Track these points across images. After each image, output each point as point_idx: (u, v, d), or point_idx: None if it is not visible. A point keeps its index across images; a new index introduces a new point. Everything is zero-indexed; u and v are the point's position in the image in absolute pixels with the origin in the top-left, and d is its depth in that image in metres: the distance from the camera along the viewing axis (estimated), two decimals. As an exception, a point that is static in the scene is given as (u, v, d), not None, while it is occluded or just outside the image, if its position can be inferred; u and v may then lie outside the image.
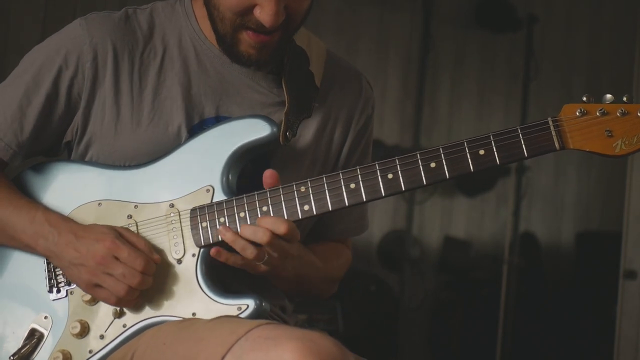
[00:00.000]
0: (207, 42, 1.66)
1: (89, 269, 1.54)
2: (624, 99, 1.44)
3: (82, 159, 1.67)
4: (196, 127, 1.63)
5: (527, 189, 5.35)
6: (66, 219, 1.61)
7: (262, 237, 1.48)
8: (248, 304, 1.50)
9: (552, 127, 1.44)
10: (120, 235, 1.56)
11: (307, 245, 1.69)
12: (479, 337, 5.14)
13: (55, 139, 1.69)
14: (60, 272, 1.63)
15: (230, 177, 1.58)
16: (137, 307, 1.57)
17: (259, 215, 1.53)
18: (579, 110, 1.44)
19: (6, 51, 3.69)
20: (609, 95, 1.45)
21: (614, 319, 3.79)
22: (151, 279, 1.54)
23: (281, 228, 1.48)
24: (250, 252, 1.49)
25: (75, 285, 1.61)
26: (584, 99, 1.45)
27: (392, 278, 5.17)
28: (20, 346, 1.61)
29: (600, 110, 1.44)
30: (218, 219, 1.55)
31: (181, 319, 1.54)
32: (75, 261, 1.55)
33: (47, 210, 1.62)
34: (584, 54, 5.87)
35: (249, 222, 1.54)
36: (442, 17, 5.38)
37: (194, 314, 1.53)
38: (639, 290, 3.74)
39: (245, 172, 1.63)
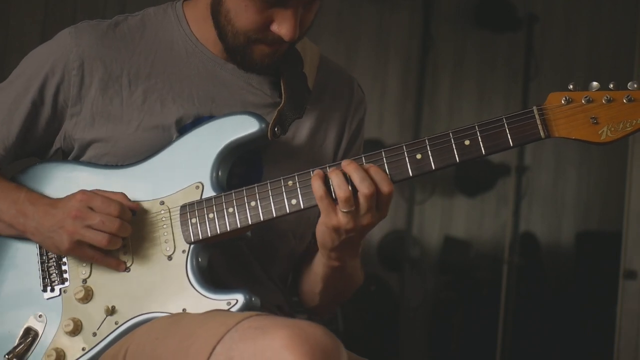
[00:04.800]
0: (199, 44, 1.68)
1: (68, 227, 1.56)
2: (610, 86, 1.43)
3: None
4: (188, 126, 1.65)
5: (527, 189, 5.35)
6: (45, 196, 1.65)
7: (367, 187, 1.45)
8: (237, 299, 1.51)
9: (537, 116, 1.43)
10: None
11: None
12: (479, 337, 5.14)
13: (43, 144, 1.72)
14: (54, 270, 1.65)
15: (220, 173, 1.59)
16: (128, 305, 1.58)
17: (247, 211, 1.54)
18: (564, 98, 1.43)
19: (6, 51, 3.69)
20: (595, 83, 1.44)
21: (614, 319, 3.79)
22: (130, 227, 1.57)
23: (385, 188, 1.46)
24: (343, 191, 1.45)
25: (68, 284, 1.63)
26: (570, 87, 1.44)
27: (392, 278, 5.17)
28: (15, 345, 1.62)
29: (586, 97, 1.42)
30: (207, 215, 1.56)
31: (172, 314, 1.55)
32: (54, 227, 1.58)
33: (30, 191, 1.66)
34: (584, 54, 5.87)
35: (237, 218, 1.54)
36: (442, 17, 5.38)
37: (184, 310, 1.54)
38: (639, 290, 3.74)
39: (238, 172, 1.64)
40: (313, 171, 1.51)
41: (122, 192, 1.60)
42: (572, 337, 5.26)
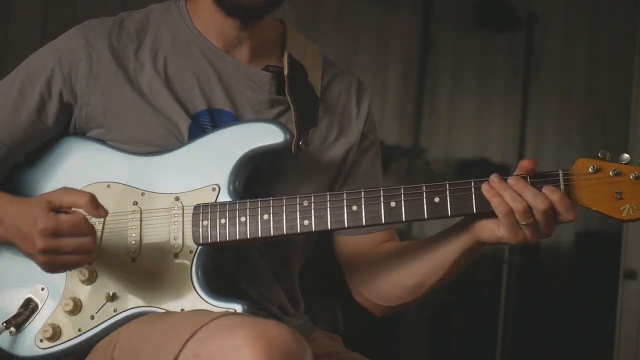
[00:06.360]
0: (200, 36, 1.72)
1: (39, 249, 1.50)
2: None
3: None
4: (196, 117, 1.66)
5: (527, 189, 5.34)
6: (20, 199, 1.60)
7: (542, 201, 1.43)
8: (235, 309, 1.49)
9: (561, 179, 1.44)
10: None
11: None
12: (479, 337, 5.14)
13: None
14: None
15: (237, 178, 1.58)
16: (129, 295, 1.58)
17: (259, 223, 1.53)
18: (592, 167, 1.42)
19: (6, 51, 3.69)
20: (626, 155, 1.41)
21: (614, 319, 3.79)
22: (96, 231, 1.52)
23: (557, 199, 1.43)
24: (520, 202, 1.43)
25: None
26: (600, 155, 1.42)
27: (392, 278, 5.16)
28: (15, 313, 1.61)
29: (614, 170, 1.41)
30: (219, 219, 1.55)
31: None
32: (24, 229, 1.52)
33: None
34: (584, 54, 5.87)
35: (248, 228, 1.53)
36: (442, 17, 5.38)
37: (182, 310, 1.53)
38: (639, 290, 3.74)
39: (254, 179, 1.63)
40: (330, 195, 1.52)
41: (90, 194, 1.52)
42: (572, 337, 5.26)
